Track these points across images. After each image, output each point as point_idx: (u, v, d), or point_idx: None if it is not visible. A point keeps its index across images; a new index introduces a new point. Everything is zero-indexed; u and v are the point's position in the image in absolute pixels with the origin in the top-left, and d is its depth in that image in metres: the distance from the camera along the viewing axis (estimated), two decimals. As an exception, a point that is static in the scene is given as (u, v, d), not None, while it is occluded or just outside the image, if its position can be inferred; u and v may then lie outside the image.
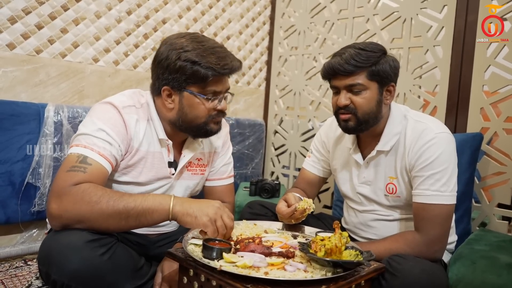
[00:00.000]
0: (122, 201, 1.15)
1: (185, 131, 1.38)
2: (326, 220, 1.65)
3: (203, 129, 1.36)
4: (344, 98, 1.36)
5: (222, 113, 1.38)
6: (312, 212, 1.41)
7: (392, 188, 1.42)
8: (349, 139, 1.52)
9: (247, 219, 1.45)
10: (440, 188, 1.30)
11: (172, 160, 1.43)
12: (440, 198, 1.30)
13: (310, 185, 1.67)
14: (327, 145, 1.63)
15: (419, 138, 1.35)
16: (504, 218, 1.84)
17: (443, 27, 2.01)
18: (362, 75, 1.34)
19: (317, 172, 1.67)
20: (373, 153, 1.43)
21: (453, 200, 1.32)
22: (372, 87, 1.35)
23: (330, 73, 1.37)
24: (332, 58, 1.38)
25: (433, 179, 1.30)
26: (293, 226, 1.43)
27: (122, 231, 1.26)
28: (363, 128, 1.39)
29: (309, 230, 1.42)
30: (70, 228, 1.14)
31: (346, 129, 1.41)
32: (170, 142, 1.40)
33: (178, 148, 1.46)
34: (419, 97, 2.18)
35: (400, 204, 1.43)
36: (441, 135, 1.33)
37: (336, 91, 1.41)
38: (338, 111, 1.40)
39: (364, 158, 1.48)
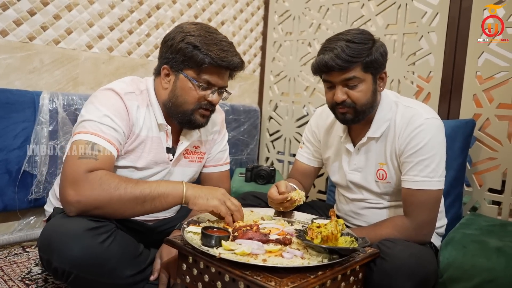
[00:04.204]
0: (139, 187, 1.21)
1: (172, 115, 1.40)
2: (320, 209, 1.67)
3: (188, 117, 1.37)
4: (341, 94, 1.35)
5: (211, 105, 1.39)
6: (302, 203, 1.43)
7: (383, 174, 1.44)
8: (340, 127, 1.53)
9: None
10: (429, 174, 1.32)
11: (170, 146, 1.45)
12: (429, 184, 1.32)
13: (304, 176, 1.68)
14: (318, 135, 1.64)
15: (408, 123, 1.36)
16: (494, 202, 1.88)
17: (437, 13, 2.01)
18: (357, 68, 1.32)
19: (310, 162, 1.68)
20: (364, 139, 1.45)
21: (441, 186, 1.35)
22: (367, 78, 1.35)
23: (324, 70, 1.34)
24: (323, 54, 1.34)
25: (422, 165, 1.33)
26: (284, 212, 1.45)
27: (136, 217, 1.32)
28: (361, 119, 1.39)
29: (300, 216, 1.44)
30: (84, 214, 1.17)
31: (344, 121, 1.42)
32: (169, 127, 1.42)
33: (177, 135, 1.48)
34: (412, 83, 2.19)
35: (390, 190, 1.45)
36: (430, 120, 1.34)
37: (330, 85, 1.39)
38: (335, 106, 1.39)
39: (354, 145, 1.49)
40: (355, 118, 1.39)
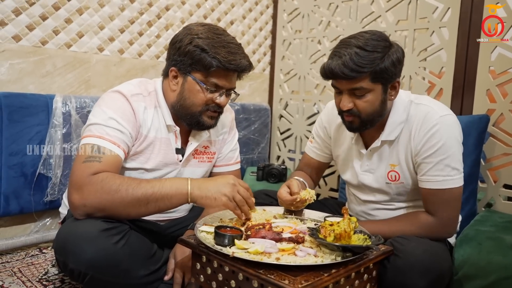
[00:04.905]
0: (141, 188, 1.19)
1: (181, 117, 1.40)
2: (332, 206, 1.67)
3: (196, 119, 1.38)
4: (347, 102, 1.31)
5: (219, 107, 1.39)
6: (314, 200, 1.42)
7: (395, 176, 1.42)
8: None
9: None
10: (450, 173, 1.31)
11: (179, 147, 1.46)
12: (451, 182, 1.31)
13: (313, 170, 1.68)
14: (329, 130, 1.62)
15: (423, 122, 1.33)
16: (509, 198, 1.85)
17: (449, 8, 1.99)
18: (365, 79, 1.27)
19: (319, 158, 1.67)
20: (378, 143, 1.41)
21: (462, 182, 1.34)
22: (376, 88, 1.30)
23: (330, 76, 1.30)
24: (331, 59, 1.29)
25: (442, 164, 1.30)
26: (295, 210, 1.45)
27: (143, 217, 1.31)
28: (368, 127, 1.37)
29: (312, 214, 1.44)
30: (91, 217, 1.18)
31: (351, 129, 1.40)
32: (177, 128, 1.43)
33: (186, 136, 1.49)
34: (424, 79, 2.17)
35: (403, 190, 1.43)
36: (445, 118, 1.32)
37: (339, 91, 1.35)
38: (342, 112, 1.37)
39: (367, 147, 1.46)
40: (362, 127, 1.37)
